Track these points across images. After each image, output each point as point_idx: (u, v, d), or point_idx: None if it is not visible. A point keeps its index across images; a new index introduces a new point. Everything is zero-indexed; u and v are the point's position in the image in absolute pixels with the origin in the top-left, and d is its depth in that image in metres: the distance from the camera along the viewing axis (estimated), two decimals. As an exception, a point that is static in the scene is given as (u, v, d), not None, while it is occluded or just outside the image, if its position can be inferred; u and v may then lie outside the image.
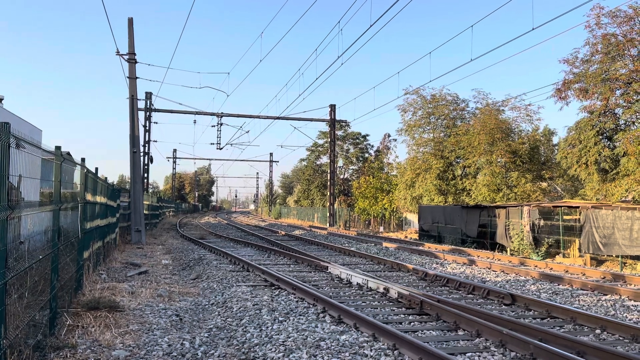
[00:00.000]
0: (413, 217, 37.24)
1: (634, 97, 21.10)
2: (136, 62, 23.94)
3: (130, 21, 23.59)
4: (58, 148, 6.75)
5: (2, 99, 18.92)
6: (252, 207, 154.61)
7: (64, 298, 7.70)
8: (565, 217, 19.77)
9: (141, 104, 36.86)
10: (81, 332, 6.92)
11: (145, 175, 38.89)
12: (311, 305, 9.19)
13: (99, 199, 12.49)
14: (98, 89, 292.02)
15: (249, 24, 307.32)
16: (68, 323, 7.14)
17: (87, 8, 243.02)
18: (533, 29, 15.21)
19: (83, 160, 9.26)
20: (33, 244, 6.54)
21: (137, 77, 24.11)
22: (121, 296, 9.60)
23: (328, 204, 45.17)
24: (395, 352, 6.36)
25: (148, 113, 39.78)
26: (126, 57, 23.65)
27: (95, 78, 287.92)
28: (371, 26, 16.72)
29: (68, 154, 7.65)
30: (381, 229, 41.51)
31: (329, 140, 45.75)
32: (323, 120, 44.63)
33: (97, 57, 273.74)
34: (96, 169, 12.00)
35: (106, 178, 14.60)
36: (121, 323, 7.56)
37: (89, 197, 10.08)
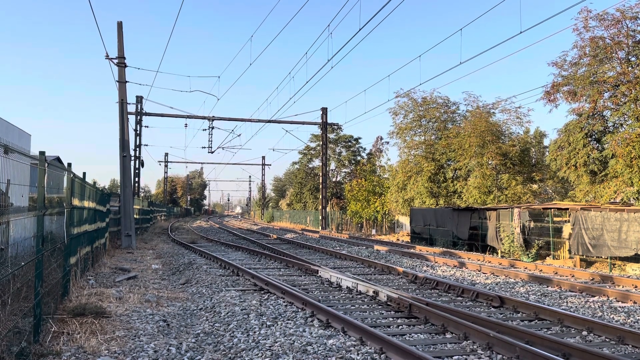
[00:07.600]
0: (405, 220, 37.30)
1: (622, 100, 21.28)
2: (126, 66, 23.84)
3: (120, 25, 23.52)
4: (42, 153, 6.70)
5: None
6: (238, 209, 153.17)
7: (49, 304, 7.63)
8: (555, 218, 19.88)
9: (131, 108, 36.73)
10: (66, 339, 6.86)
11: (136, 179, 38.71)
12: (300, 310, 9.16)
13: (87, 204, 12.40)
14: (89, 93, 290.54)
15: (239, 27, 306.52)
16: (53, 330, 7.08)
17: (75, 12, 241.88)
18: (521, 32, 15.30)
19: (69, 165, 9.20)
20: (17, 249, 6.48)
21: (126, 81, 24.00)
22: (108, 302, 9.53)
23: (320, 207, 45.15)
24: (382, 355, 6.36)
25: (139, 117, 39.65)
26: (115, 61, 23.54)
27: (85, 82, 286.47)
28: (360, 29, 16.76)
29: (58, 159, 7.62)
30: (373, 231, 41.53)
31: (321, 143, 45.75)
32: (315, 124, 44.66)
33: (86, 61, 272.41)
34: (84, 173, 11.93)
35: (95, 182, 14.56)
36: (107, 329, 7.50)
37: (75, 202, 10.00)
